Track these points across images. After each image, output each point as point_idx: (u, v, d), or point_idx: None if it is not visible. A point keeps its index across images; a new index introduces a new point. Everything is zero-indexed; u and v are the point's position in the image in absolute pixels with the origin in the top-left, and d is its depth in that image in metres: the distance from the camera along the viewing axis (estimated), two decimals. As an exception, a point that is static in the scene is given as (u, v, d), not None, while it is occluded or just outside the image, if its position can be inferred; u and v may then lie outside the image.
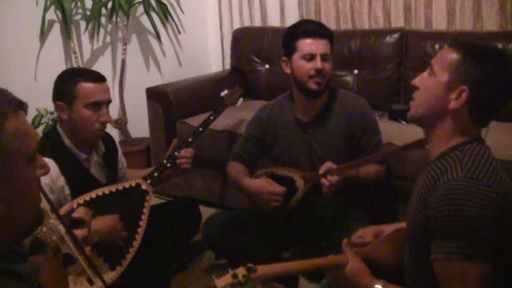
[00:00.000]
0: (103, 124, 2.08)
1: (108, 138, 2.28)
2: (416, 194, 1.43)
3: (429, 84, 1.41)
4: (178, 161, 2.30)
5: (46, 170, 1.06)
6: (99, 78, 2.08)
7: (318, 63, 2.19)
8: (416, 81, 1.46)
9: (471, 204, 1.25)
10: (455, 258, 1.26)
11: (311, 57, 2.20)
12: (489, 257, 1.25)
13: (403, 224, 1.62)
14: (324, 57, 2.21)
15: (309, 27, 2.24)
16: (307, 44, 2.22)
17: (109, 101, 2.10)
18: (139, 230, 2.07)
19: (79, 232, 1.55)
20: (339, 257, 1.48)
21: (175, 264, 2.55)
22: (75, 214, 1.55)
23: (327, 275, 1.57)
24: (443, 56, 1.41)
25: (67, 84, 2.04)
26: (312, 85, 2.21)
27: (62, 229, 1.29)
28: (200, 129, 2.47)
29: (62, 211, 1.50)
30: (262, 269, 1.30)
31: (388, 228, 1.68)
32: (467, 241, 1.25)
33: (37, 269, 1.02)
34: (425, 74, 1.44)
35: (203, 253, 2.66)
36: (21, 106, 1.00)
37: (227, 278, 1.24)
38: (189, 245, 2.65)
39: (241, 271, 1.25)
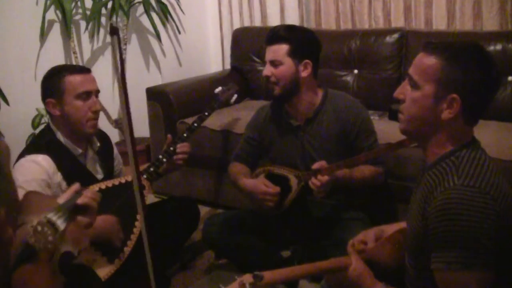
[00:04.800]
0: (95, 113, 2.10)
1: (103, 136, 2.30)
2: (415, 203, 1.42)
3: (415, 97, 1.36)
4: (175, 156, 2.32)
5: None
6: (84, 70, 2.13)
7: (264, 71, 2.29)
8: (399, 94, 1.41)
9: (469, 213, 1.24)
10: (455, 268, 1.25)
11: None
12: (489, 265, 1.24)
13: (404, 224, 1.62)
14: (273, 63, 2.25)
15: (266, 37, 2.29)
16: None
17: (97, 91, 2.12)
18: (136, 223, 2.07)
19: (82, 220, 1.50)
20: (343, 259, 1.48)
21: (176, 264, 2.54)
22: (79, 201, 1.50)
23: (327, 277, 1.57)
24: (421, 64, 1.35)
25: (54, 80, 2.07)
26: (267, 89, 2.31)
27: (61, 224, 1.23)
28: (195, 124, 2.51)
29: (70, 191, 1.45)
30: (269, 275, 1.29)
31: (389, 228, 1.68)
32: (466, 250, 1.24)
33: None
34: (407, 86, 1.39)
35: (203, 253, 2.66)
36: None
37: (234, 287, 1.24)
38: (189, 245, 2.65)
39: (248, 278, 1.25)
